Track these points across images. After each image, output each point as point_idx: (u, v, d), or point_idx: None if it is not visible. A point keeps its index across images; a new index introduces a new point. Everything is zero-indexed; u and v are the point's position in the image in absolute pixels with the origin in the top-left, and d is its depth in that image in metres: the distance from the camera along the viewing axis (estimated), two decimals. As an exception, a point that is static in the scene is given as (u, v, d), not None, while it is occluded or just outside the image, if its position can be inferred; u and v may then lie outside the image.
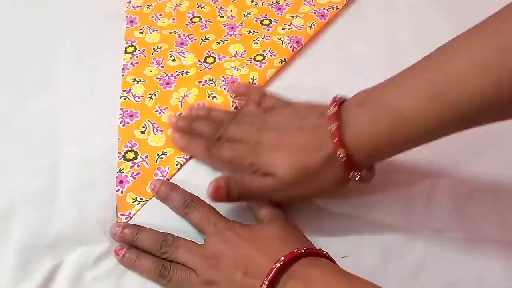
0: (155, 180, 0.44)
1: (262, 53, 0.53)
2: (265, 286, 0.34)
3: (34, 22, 0.57)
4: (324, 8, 0.58)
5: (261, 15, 0.58)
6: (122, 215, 0.42)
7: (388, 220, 0.43)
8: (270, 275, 0.34)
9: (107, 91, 0.51)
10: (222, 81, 0.51)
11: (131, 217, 0.42)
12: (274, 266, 0.34)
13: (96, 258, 0.40)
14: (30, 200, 0.43)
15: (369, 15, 0.59)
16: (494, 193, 0.45)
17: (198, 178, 0.44)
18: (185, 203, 0.41)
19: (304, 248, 0.35)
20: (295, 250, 0.35)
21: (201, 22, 0.58)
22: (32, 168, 0.45)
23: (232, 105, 0.49)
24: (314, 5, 0.59)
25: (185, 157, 0.45)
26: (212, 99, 0.49)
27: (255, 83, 0.51)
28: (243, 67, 0.52)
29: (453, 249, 0.42)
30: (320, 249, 0.37)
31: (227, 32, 0.56)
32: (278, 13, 0.58)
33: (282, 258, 0.34)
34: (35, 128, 0.48)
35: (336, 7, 0.58)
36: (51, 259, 0.39)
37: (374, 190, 0.44)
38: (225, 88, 0.50)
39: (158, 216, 0.42)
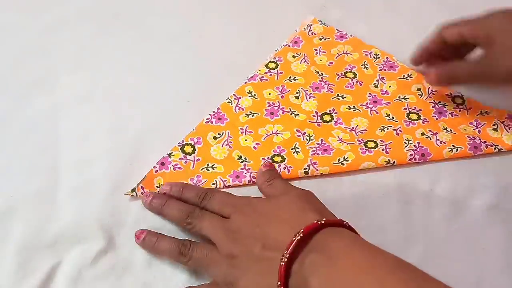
0: (166, 183, 0.43)
1: (379, 142, 0.47)
2: (285, 260, 0.33)
3: (34, 22, 0.57)
4: (485, 142, 0.47)
5: (415, 107, 0.50)
6: (142, 187, 0.43)
7: (388, 220, 0.43)
8: (290, 248, 0.33)
9: (107, 91, 0.51)
10: (317, 143, 0.47)
11: None
12: (294, 238, 0.34)
13: (96, 257, 0.40)
14: (30, 200, 0.43)
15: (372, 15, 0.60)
16: (494, 193, 0.44)
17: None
18: (200, 197, 0.41)
19: (324, 219, 0.35)
20: (315, 221, 0.34)
21: (352, 80, 0.52)
22: (32, 168, 0.45)
23: (304, 169, 0.45)
24: (479, 132, 0.48)
25: (225, 181, 0.44)
26: (294, 153, 0.46)
27: (344, 165, 0.45)
28: (347, 143, 0.47)
29: (453, 249, 0.42)
30: (341, 219, 0.36)
31: (367, 103, 0.50)
32: (434, 116, 0.49)
33: (302, 230, 0.34)
34: (35, 128, 0.48)
35: (500, 149, 0.47)
36: (50, 258, 0.40)
37: (374, 190, 0.45)
38: (312, 151, 0.46)
39: (161, 218, 0.42)
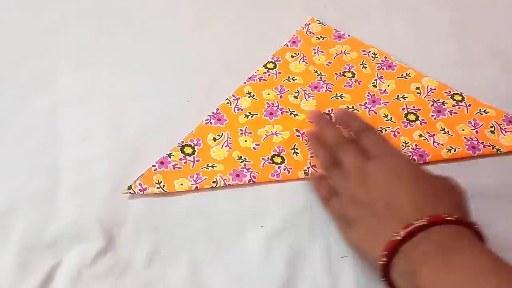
0: (339, 109, 0.48)
1: None
2: (398, 238, 0.33)
3: (34, 22, 0.57)
4: (482, 142, 0.47)
5: (414, 106, 0.50)
6: (140, 184, 0.43)
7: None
8: (408, 229, 0.33)
9: (107, 91, 0.51)
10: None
11: (143, 193, 0.43)
12: (415, 222, 0.33)
13: (95, 257, 0.40)
14: (30, 200, 0.43)
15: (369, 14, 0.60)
16: (495, 193, 0.44)
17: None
18: (362, 126, 0.43)
19: (455, 216, 0.34)
20: (445, 216, 0.33)
21: (351, 79, 0.52)
22: (32, 168, 0.45)
23: (304, 171, 0.45)
24: (477, 132, 0.48)
25: (225, 179, 0.44)
26: (293, 153, 0.46)
27: None
28: None
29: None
30: (472, 221, 0.35)
31: (365, 103, 0.50)
32: (433, 116, 0.49)
33: (427, 217, 0.33)
34: (35, 128, 0.48)
35: (499, 150, 0.47)
36: (50, 258, 0.40)
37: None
38: (310, 152, 0.46)
39: (161, 218, 0.43)
